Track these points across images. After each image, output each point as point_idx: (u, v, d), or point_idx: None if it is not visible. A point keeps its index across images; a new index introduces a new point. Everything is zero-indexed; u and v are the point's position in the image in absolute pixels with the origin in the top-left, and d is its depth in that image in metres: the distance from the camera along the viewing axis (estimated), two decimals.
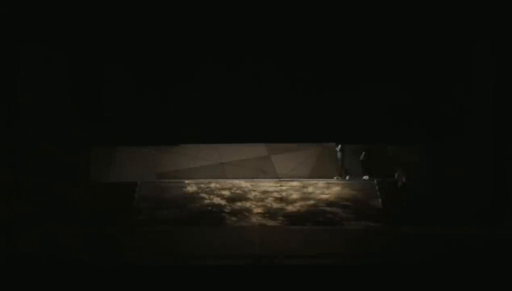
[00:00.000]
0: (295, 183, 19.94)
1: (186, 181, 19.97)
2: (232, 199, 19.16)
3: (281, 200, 19.10)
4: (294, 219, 18.31)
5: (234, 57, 19.25)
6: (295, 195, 19.31)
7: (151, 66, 19.57)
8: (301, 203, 19.00)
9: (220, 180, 20.15)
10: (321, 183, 19.97)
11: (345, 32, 19.10)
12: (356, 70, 19.45)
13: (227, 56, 19.30)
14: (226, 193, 19.46)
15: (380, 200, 19.03)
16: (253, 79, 19.24)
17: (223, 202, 19.06)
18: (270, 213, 18.55)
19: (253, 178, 20.54)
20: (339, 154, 20.59)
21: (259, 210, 18.67)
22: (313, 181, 20.12)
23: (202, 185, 19.78)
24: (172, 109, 19.44)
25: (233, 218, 18.41)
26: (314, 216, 18.47)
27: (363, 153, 20.40)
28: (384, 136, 19.54)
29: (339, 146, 20.52)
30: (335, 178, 20.40)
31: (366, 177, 20.27)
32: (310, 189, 19.59)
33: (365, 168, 20.46)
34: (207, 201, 19.14)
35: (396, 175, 19.56)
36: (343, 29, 19.13)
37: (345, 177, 20.43)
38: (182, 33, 19.09)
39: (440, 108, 19.50)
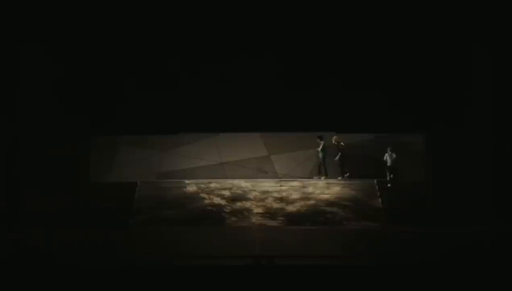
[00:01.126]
0: (295, 183, 19.93)
1: (186, 181, 19.95)
2: (232, 199, 19.15)
3: (281, 200, 19.08)
4: (294, 219, 18.31)
5: (232, 53, 19.43)
6: (295, 195, 19.29)
7: (150, 63, 19.75)
8: (301, 203, 18.98)
9: (220, 180, 20.13)
10: (321, 183, 19.96)
11: (348, 31, 19.27)
12: (359, 67, 19.61)
13: (225, 53, 19.47)
14: (226, 193, 19.45)
15: (380, 200, 19.03)
16: (252, 74, 19.51)
17: (223, 202, 19.05)
18: (270, 213, 18.54)
19: (253, 178, 20.52)
20: (320, 154, 20.37)
21: (259, 210, 18.65)
22: (313, 181, 20.11)
23: (202, 185, 19.76)
24: (172, 101, 19.82)
25: (233, 218, 18.41)
26: (314, 216, 18.47)
27: (339, 153, 20.17)
28: (385, 126, 19.80)
29: (320, 147, 20.28)
30: (315, 177, 20.31)
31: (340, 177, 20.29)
32: (310, 189, 19.58)
33: (340, 167, 20.29)
34: (207, 201, 19.13)
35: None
36: (345, 29, 19.27)
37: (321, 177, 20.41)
38: (181, 31, 19.26)
39: (440, 107, 19.57)
